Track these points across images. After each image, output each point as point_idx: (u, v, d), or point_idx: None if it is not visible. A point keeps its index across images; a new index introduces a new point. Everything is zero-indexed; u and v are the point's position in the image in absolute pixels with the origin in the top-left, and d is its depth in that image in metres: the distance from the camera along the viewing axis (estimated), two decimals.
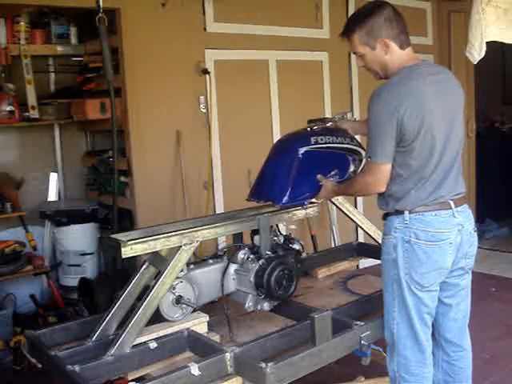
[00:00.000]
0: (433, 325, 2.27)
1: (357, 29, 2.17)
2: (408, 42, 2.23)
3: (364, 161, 2.34)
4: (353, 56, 5.16)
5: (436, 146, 2.11)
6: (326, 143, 2.57)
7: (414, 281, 2.13)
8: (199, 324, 2.28)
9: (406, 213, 2.13)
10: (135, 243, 2.11)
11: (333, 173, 2.58)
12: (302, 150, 2.51)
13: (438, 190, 2.13)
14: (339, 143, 2.61)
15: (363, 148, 2.63)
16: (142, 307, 2.12)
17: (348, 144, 2.63)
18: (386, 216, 2.23)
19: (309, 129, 2.67)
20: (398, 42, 2.19)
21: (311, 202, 2.63)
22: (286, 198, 2.49)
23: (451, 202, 2.15)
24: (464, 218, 2.19)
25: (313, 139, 2.54)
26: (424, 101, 2.07)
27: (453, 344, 2.34)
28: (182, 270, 2.25)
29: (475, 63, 3.63)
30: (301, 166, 2.50)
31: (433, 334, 2.29)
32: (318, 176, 2.55)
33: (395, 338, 2.21)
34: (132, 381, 2.02)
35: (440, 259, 2.12)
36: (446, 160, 2.15)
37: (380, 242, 2.94)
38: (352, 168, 2.65)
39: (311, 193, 2.56)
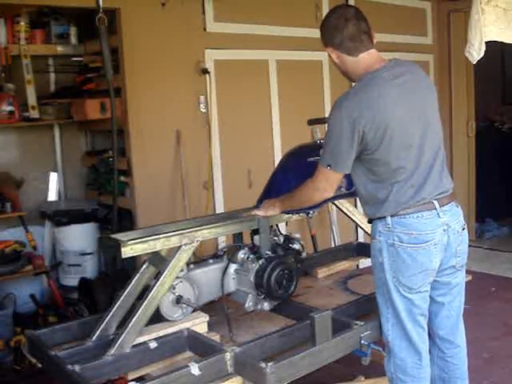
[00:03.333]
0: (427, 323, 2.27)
1: (320, 35, 2.21)
2: (364, 47, 2.12)
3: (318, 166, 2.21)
4: None
5: (407, 149, 2.08)
6: None
7: (402, 284, 2.11)
8: (199, 324, 2.28)
9: (388, 217, 2.11)
10: (135, 243, 2.11)
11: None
12: (310, 160, 2.53)
13: (420, 192, 2.10)
14: None
15: None
16: (142, 307, 2.12)
17: None
18: (370, 220, 2.22)
19: (318, 141, 2.69)
20: (343, 50, 2.13)
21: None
22: None
23: (435, 202, 2.12)
24: (450, 217, 2.16)
25: (322, 150, 2.57)
26: (386, 108, 2.03)
27: (446, 341, 2.34)
28: (181, 270, 2.25)
29: (474, 63, 3.63)
30: (309, 176, 2.52)
31: (428, 332, 2.29)
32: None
33: (390, 339, 2.21)
34: (132, 381, 2.02)
35: (426, 261, 2.10)
36: (426, 160, 2.12)
37: None
38: None
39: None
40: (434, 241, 2.10)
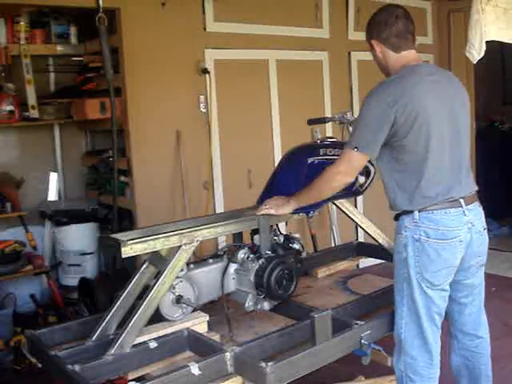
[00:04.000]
0: (447, 320, 2.32)
1: (366, 30, 2.30)
2: (406, 46, 2.23)
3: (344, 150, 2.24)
4: (353, 55, 5.18)
5: (436, 142, 2.12)
6: (334, 155, 2.61)
7: (425, 279, 2.13)
8: (199, 324, 2.28)
9: (416, 211, 2.13)
10: (135, 243, 2.11)
11: None
12: (310, 161, 2.54)
13: (448, 189, 2.14)
14: None
15: (372, 163, 2.66)
16: (142, 307, 2.12)
17: None
18: (397, 216, 2.24)
19: (318, 141, 2.70)
20: (388, 46, 2.22)
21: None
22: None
23: (461, 200, 2.15)
24: (474, 216, 2.19)
25: (322, 151, 2.61)
26: (419, 98, 2.10)
27: (469, 335, 2.39)
28: (181, 270, 2.25)
29: (475, 63, 3.63)
30: (309, 175, 2.52)
31: (448, 328, 2.35)
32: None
33: (403, 337, 2.22)
34: (132, 380, 2.02)
35: (450, 257, 2.13)
36: (454, 159, 2.18)
37: (380, 241, 2.98)
38: (362, 180, 2.67)
39: (318, 204, 2.58)
40: (459, 238, 2.13)
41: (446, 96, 2.19)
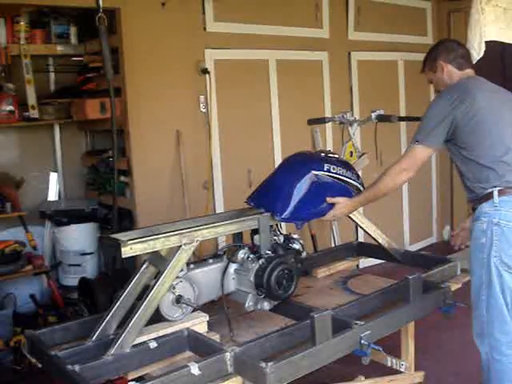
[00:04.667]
0: None
1: (426, 61, 2.68)
2: (467, 66, 2.61)
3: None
4: (353, 55, 5.19)
5: (498, 133, 2.38)
6: (336, 173, 2.62)
7: (504, 263, 2.29)
8: (199, 324, 2.28)
9: (496, 196, 2.32)
10: (135, 243, 2.11)
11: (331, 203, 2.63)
12: (314, 173, 2.54)
13: None
14: (348, 177, 2.67)
15: (364, 187, 2.73)
16: (142, 307, 2.12)
17: (354, 181, 2.70)
18: (476, 205, 2.43)
19: (323, 154, 2.70)
20: (455, 65, 2.58)
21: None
22: (286, 214, 2.50)
23: None
24: None
25: (326, 166, 2.60)
26: (476, 100, 2.38)
27: None
28: (181, 270, 2.25)
29: (474, 63, 3.62)
30: (309, 187, 2.53)
31: None
32: (328, 198, 2.59)
33: (485, 320, 2.36)
34: (132, 380, 2.01)
35: None
36: None
37: (380, 241, 2.98)
38: None
39: (308, 217, 2.64)
40: None
41: (503, 98, 2.52)
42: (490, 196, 2.33)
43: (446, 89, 2.50)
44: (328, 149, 4.72)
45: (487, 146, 2.36)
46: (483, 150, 2.37)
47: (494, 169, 2.35)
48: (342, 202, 2.60)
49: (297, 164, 2.68)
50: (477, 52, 3.55)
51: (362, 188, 2.74)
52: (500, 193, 2.31)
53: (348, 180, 2.67)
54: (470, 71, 2.60)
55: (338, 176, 2.62)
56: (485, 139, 2.36)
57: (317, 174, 2.55)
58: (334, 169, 2.61)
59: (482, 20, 3.50)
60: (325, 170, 2.58)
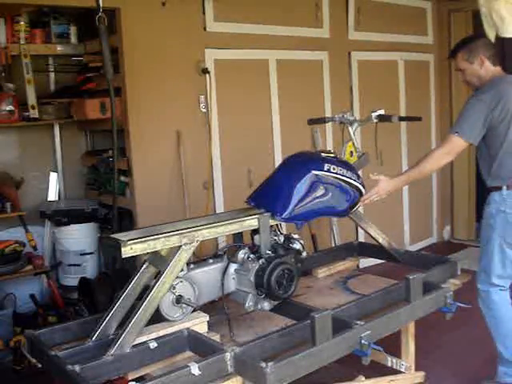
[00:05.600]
0: None
1: (461, 49, 2.97)
2: (498, 63, 2.96)
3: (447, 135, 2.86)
4: (353, 55, 5.18)
5: None
6: (337, 173, 2.62)
7: (507, 242, 2.85)
8: (199, 324, 2.28)
9: (504, 189, 2.84)
10: (135, 243, 2.11)
11: (334, 201, 2.62)
12: (314, 173, 2.54)
13: None
14: (348, 177, 2.67)
15: (364, 187, 2.76)
16: (142, 307, 2.12)
17: (354, 181, 2.70)
18: (489, 191, 2.90)
19: (323, 154, 2.70)
20: (491, 61, 2.92)
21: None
22: (286, 214, 2.50)
23: None
24: None
25: (326, 165, 2.59)
26: (506, 104, 2.77)
27: None
28: (181, 270, 2.25)
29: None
30: (309, 187, 2.53)
31: None
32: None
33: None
34: (132, 381, 2.01)
35: None
36: None
37: (380, 241, 2.99)
38: (350, 203, 2.69)
39: (309, 216, 2.61)
40: None
41: None
42: (500, 188, 2.84)
43: (485, 88, 2.83)
44: (328, 149, 4.72)
45: (505, 147, 2.82)
46: (500, 149, 2.83)
47: (505, 167, 2.84)
48: (383, 180, 2.84)
49: (297, 164, 2.68)
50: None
51: (362, 188, 2.74)
52: (508, 187, 2.83)
53: (348, 180, 2.67)
54: (499, 69, 2.95)
55: (338, 176, 2.62)
56: (504, 141, 2.82)
57: (317, 174, 2.55)
58: (334, 169, 2.61)
59: (494, 17, 3.47)
60: (325, 169, 2.58)
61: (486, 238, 2.96)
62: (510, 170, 2.84)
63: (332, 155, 2.73)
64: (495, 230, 2.86)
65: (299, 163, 2.68)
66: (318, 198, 2.57)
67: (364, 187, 2.75)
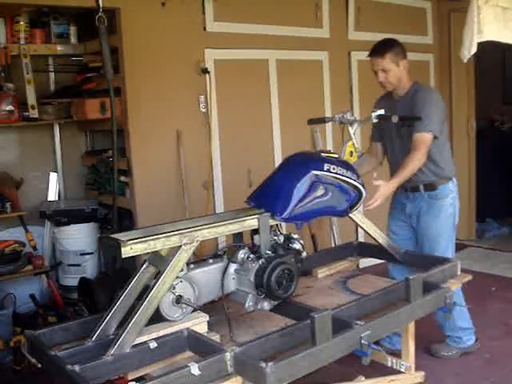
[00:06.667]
0: None
1: (389, 50, 3.10)
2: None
3: (417, 135, 3.03)
4: (353, 55, 5.18)
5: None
6: (337, 173, 2.61)
7: (456, 213, 3.29)
8: (199, 324, 2.28)
9: (454, 178, 3.26)
10: (135, 243, 2.11)
11: (334, 201, 2.62)
12: (314, 173, 2.54)
13: None
14: (348, 177, 2.67)
15: (364, 187, 2.75)
16: (142, 307, 2.12)
17: (354, 180, 2.70)
18: (436, 186, 3.20)
19: (323, 154, 2.69)
20: (407, 61, 3.18)
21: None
22: (286, 214, 2.49)
23: None
24: None
25: (326, 165, 2.58)
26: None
27: None
28: (181, 270, 2.25)
29: (465, 61, 3.61)
30: (309, 187, 2.53)
31: None
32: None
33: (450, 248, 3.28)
34: (132, 381, 2.01)
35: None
36: None
37: (380, 241, 2.98)
38: (350, 203, 2.69)
39: (308, 216, 2.60)
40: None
41: None
42: (450, 178, 3.24)
43: (431, 88, 3.28)
44: (328, 149, 4.72)
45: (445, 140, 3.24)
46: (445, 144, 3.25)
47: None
48: (383, 185, 2.90)
49: (297, 164, 2.68)
50: (467, 50, 3.52)
51: (362, 188, 2.74)
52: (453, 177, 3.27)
53: (348, 180, 2.67)
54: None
55: (338, 176, 2.62)
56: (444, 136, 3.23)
57: (317, 174, 2.55)
58: (334, 168, 2.60)
59: (481, 19, 3.47)
60: (325, 169, 2.57)
61: (449, 230, 3.32)
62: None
63: (332, 155, 2.73)
64: (454, 215, 3.33)
65: (299, 163, 2.67)
66: (317, 197, 2.57)
67: (364, 187, 2.75)
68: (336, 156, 2.76)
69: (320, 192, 2.57)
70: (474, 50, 3.49)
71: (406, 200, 3.32)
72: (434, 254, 3.19)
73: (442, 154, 3.21)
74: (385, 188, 2.91)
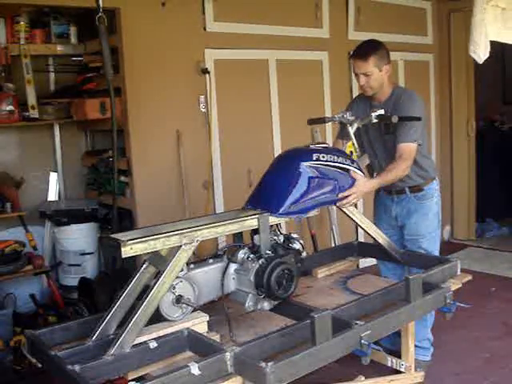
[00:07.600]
0: None
1: (373, 54, 2.99)
2: None
3: (403, 146, 2.94)
4: None
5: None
6: (327, 161, 2.62)
7: (440, 211, 3.32)
8: (199, 324, 2.28)
9: (437, 179, 3.29)
10: (135, 243, 2.11)
11: (329, 189, 2.61)
12: (304, 164, 2.55)
13: None
14: (340, 163, 2.67)
15: (361, 170, 2.77)
16: (142, 307, 2.12)
17: (348, 165, 2.71)
18: (422, 187, 3.19)
19: (311, 146, 2.70)
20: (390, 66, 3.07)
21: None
22: (283, 209, 2.50)
23: None
24: None
25: (315, 155, 2.59)
26: None
27: None
28: (181, 270, 2.25)
29: (481, 63, 3.61)
30: (302, 179, 2.54)
31: None
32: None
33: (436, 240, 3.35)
34: (132, 380, 2.01)
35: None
36: None
37: (380, 241, 2.98)
38: (348, 187, 2.69)
39: (305, 209, 2.59)
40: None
41: None
42: (434, 178, 3.26)
43: (413, 92, 3.09)
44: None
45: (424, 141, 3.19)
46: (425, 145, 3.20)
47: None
48: (361, 179, 2.73)
49: (286, 159, 2.71)
50: (483, 52, 3.52)
51: (358, 171, 2.75)
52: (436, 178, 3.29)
53: (341, 165, 2.67)
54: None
55: (329, 163, 2.62)
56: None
57: (307, 165, 2.56)
58: (323, 157, 2.61)
59: (486, 19, 3.48)
60: (314, 159, 2.58)
61: (436, 228, 3.42)
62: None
63: (321, 146, 2.73)
64: (439, 213, 3.39)
65: (288, 158, 2.70)
66: (312, 188, 2.56)
67: (361, 170, 2.77)
68: (325, 145, 2.77)
69: (313, 183, 2.57)
70: (488, 51, 3.50)
71: (391, 202, 3.25)
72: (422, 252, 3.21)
73: (424, 156, 3.19)
74: (363, 184, 2.76)
